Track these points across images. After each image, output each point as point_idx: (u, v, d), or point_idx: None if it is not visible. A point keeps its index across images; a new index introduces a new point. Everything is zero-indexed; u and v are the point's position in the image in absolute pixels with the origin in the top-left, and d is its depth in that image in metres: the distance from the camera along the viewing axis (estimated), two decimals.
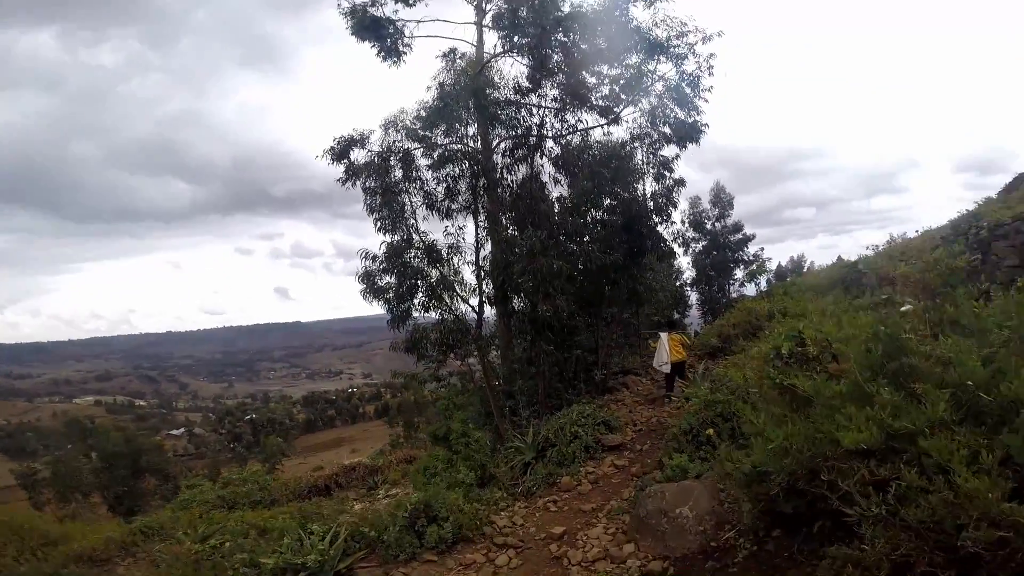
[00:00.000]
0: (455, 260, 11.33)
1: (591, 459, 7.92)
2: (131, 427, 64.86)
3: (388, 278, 11.14)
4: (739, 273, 31.79)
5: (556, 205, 12.30)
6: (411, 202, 11.34)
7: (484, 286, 11.48)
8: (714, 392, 6.84)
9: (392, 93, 14.08)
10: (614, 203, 12.20)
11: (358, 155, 11.26)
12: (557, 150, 12.47)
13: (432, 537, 6.00)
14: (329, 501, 14.14)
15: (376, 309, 11.56)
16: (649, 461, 7.46)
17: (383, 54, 12.07)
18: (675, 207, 12.95)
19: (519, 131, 12.14)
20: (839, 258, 16.56)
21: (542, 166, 12.19)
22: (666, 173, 12.93)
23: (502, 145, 12.22)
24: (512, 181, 12.25)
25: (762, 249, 32.53)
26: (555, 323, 10.09)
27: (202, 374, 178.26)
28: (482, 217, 11.66)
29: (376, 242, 11.14)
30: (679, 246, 26.78)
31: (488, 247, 11.49)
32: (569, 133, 12.44)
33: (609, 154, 11.83)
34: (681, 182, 13.09)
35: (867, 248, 14.02)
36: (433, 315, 11.20)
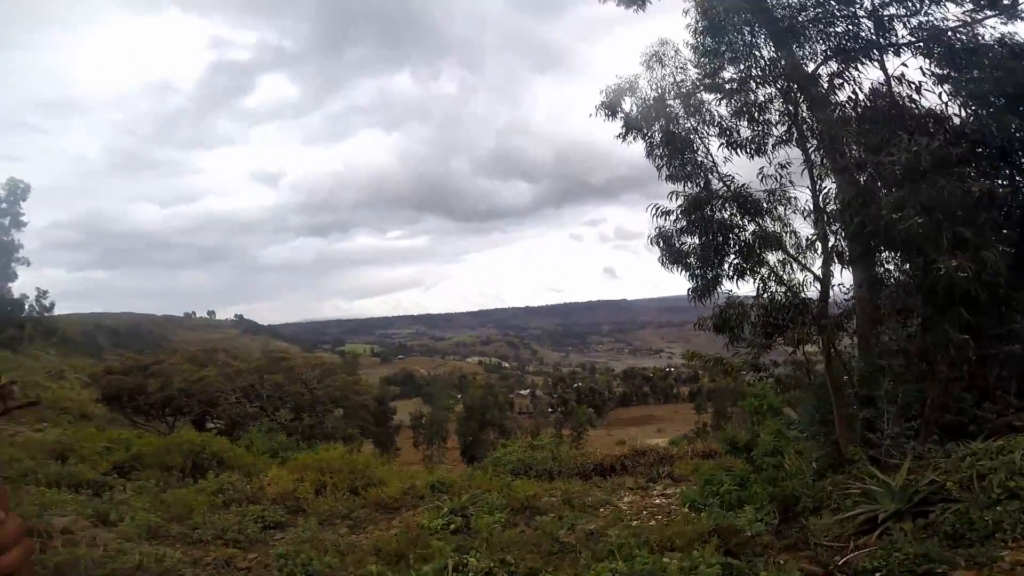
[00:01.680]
0: (780, 209, 8.15)
1: None
2: (496, 385, 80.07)
3: (690, 239, 8.88)
4: None
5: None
6: (704, 143, 8.71)
7: (831, 240, 7.89)
8: None
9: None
10: None
11: (630, 105, 9.29)
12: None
13: None
14: (606, 484, 12.97)
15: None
16: None
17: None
18: None
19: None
20: None
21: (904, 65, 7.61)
22: None
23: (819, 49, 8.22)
24: (853, 92, 8.14)
25: None
26: (978, 293, 5.87)
27: (547, 343, 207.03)
28: (814, 146, 8.04)
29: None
30: None
31: (831, 184, 7.83)
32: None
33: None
34: None
35: None
36: (750, 285, 8.32)
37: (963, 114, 7.59)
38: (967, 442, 5.94)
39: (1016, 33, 7.61)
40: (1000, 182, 6.83)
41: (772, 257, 8.16)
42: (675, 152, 8.90)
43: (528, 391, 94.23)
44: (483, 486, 9.22)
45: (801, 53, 8.76)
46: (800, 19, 8.58)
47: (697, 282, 8.60)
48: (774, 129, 8.71)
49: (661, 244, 9.03)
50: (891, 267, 7.61)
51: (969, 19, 7.81)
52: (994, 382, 7.88)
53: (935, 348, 6.32)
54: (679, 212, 8.70)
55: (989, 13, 7.79)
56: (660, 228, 9.07)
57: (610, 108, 9.42)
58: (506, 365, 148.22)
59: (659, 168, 9.08)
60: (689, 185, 8.74)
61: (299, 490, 8.79)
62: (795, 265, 8.18)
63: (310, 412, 25.24)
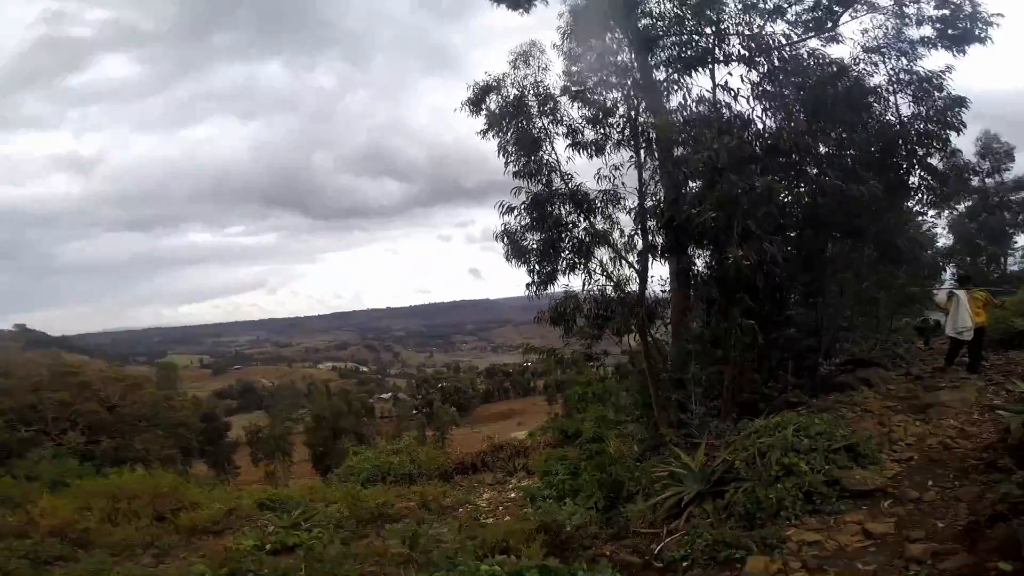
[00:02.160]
0: (611, 209, 8.65)
1: (815, 513, 4.51)
2: (353, 391, 75.89)
3: (531, 235, 9.03)
4: (1022, 240, 23.61)
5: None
6: (551, 142, 8.99)
7: (650, 236, 8.52)
8: None
9: None
10: (844, 136, 8.27)
11: (493, 102, 9.27)
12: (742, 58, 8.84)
13: None
14: (467, 483, 13.02)
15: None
16: (942, 526, 3.98)
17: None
18: (957, 131, 8.30)
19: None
20: None
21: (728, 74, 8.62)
22: (932, 91, 8.42)
23: (663, 56, 9.05)
24: (683, 98, 9.04)
25: None
26: (758, 282, 6.62)
27: (411, 344, 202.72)
28: (645, 148, 8.71)
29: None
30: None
31: (655, 185, 8.50)
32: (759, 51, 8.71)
33: (830, 74, 8.29)
34: (960, 101, 8.34)
35: None
36: (579, 280, 8.70)
37: (766, 120, 8.57)
38: (753, 420, 6.69)
39: (830, 54, 8.82)
40: (783, 181, 7.93)
41: (602, 253, 8.61)
42: (525, 150, 8.99)
43: (390, 394, 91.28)
44: (326, 498, 8.48)
45: (653, 61, 9.42)
46: (658, 28, 9.13)
47: (534, 277, 8.77)
48: (615, 132, 9.17)
49: (506, 240, 9.07)
50: (698, 260, 8.45)
51: (796, 38, 8.99)
52: (776, 363, 9.24)
53: (727, 333, 7.11)
54: (522, 208, 8.81)
55: (814, 36, 9.04)
56: (506, 225, 9.13)
57: (475, 104, 9.25)
58: (365, 369, 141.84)
59: (507, 164, 9.11)
60: (533, 183, 8.87)
61: (83, 520, 7.10)
62: (623, 261, 8.74)
63: (111, 433, 21.15)
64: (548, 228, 8.55)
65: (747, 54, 8.53)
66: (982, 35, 8.05)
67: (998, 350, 8.92)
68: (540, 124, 9.13)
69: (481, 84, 9.19)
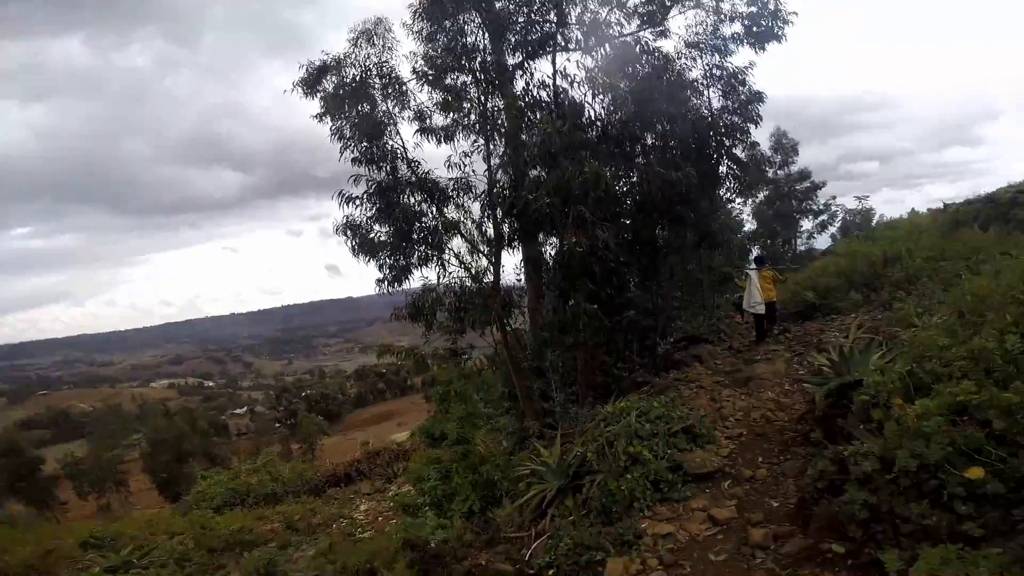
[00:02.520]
0: (462, 197, 8.36)
1: (664, 501, 4.68)
2: (199, 408, 66.91)
3: (381, 228, 8.37)
4: (806, 224, 28.21)
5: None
6: (396, 125, 8.43)
7: (503, 226, 8.39)
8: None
9: None
10: (667, 128, 8.94)
11: (331, 83, 8.39)
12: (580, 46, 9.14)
13: None
14: (342, 494, 12.21)
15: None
16: (776, 505, 4.36)
17: None
18: (756, 124, 9.47)
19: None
20: (943, 204, 14.49)
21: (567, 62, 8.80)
22: (737, 86, 9.52)
23: (513, 40, 8.98)
24: (526, 83, 9.07)
25: (833, 198, 28.19)
26: (594, 267, 6.78)
27: (264, 352, 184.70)
28: (498, 143, 8.56)
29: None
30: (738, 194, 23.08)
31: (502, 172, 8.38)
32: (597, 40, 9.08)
33: (657, 67, 8.79)
34: (759, 96, 9.55)
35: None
36: (434, 272, 8.32)
37: (597, 107, 8.69)
38: (605, 405, 6.88)
39: (660, 47, 9.21)
40: (614, 168, 8.30)
41: (457, 244, 8.32)
42: (367, 135, 8.25)
43: (245, 409, 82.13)
44: (169, 530, 7.36)
45: (504, 45, 9.02)
46: (509, 9, 8.78)
47: (386, 272, 8.18)
48: (466, 118, 8.79)
49: (349, 233, 8.30)
50: (548, 248, 8.54)
51: (631, 28, 9.18)
52: (623, 345, 9.80)
53: (574, 319, 7.27)
54: (365, 198, 8.12)
55: (647, 28, 9.30)
56: (349, 217, 8.35)
57: (309, 85, 8.24)
58: (211, 384, 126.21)
59: (344, 151, 8.30)
60: (376, 170, 8.21)
61: None
62: (478, 251, 8.52)
63: None
64: (397, 219, 7.99)
65: (585, 41, 8.79)
66: (780, 33, 9.10)
67: (797, 321, 10.43)
68: (384, 108, 8.51)
69: (317, 64, 8.28)
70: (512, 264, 8.81)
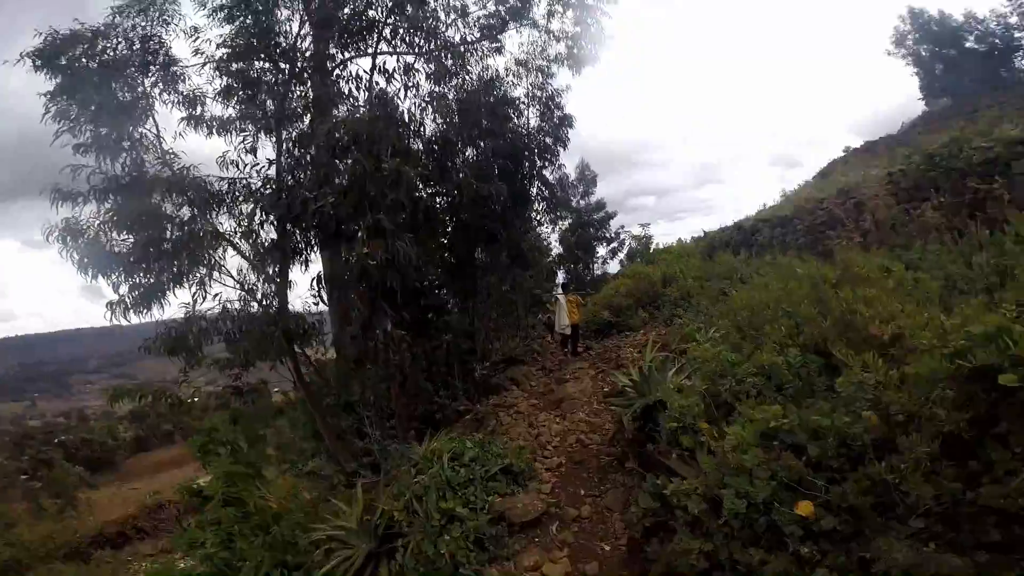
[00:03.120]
0: (243, 204, 6.70)
1: (493, 560, 3.93)
2: None
3: (120, 236, 6.22)
4: (602, 251, 31.35)
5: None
6: (151, 108, 6.53)
7: (296, 236, 6.84)
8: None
9: None
10: (489, 143, 8.71)
11: (76, 59, 6.26)
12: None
13: None
14: (116, 558, 9.42)
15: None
16: (608, 549, 3.88)
17: None
18: (565, 145, 9.81)
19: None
20: (703, 232, 17.24)
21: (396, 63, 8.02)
22: (553, 108, 9.90)
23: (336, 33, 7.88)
24: (337, 76, 7.99)
25: (623, 227, 31.96)
26: (393, 284, 5.64)
27: None
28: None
29: None
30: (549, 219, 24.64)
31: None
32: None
33: (486, 83, 8.79)
34: (568, 120, 10.01)
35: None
36: (200, 292, 6.44)
37: (418, 111, 8.26)
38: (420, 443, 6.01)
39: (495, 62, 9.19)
40: (434, 182, 7.71)
41: (232, 258, 6.62)
42: (101, 117, 6.14)
43: None
44: None
45: (331, 38, 7.86)
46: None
47: (127, 293, 6.09)
48: (259, 110, 7.21)
49: (69, 242, 6.00)
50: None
51: (473, 41, 8.97)
52: (446, 369, 9.07)
53: (378, 347, 6.28)
54: (94, 195, 5.98)
55: (486, 42, 9.24)
56: (69, 220, 6.05)
57: (44, 59, 6.03)
58: None
59: (61, 132, 6.05)
60: (108, 161, 6.13)
61: None
62: (263, 265, 6.92)
63: None
64: (146, 226, 6.01)
65: (422, 45, 8.17)
66: (594, 58, 9.74)
67: (598, 338, 11.03)
68: (142, 88, 6.53)
69: (64, 33, 6.17)
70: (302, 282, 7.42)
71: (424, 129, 7.75)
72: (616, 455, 4.98)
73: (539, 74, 9.93)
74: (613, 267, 30.36)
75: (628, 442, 4.75)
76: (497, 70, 9.36)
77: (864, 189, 7.86)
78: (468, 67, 8.98)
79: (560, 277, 24.03)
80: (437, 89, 8.65)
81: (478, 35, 9.46)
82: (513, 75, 9.79)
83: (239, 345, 6.94)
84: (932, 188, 6.63)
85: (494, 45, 9.50)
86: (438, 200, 7.69)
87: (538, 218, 11.15)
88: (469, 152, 8.61)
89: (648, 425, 4.61)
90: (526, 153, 9.03)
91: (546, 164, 9.50)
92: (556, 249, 28.25)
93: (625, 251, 31.94)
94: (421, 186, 7.10)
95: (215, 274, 6.24)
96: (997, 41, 25.98)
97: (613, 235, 31.75)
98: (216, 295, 6.23)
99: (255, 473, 6.07)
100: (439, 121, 8.57)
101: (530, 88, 9.80)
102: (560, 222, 29.09)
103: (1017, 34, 25.60)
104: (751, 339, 4.57)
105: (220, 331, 6.84)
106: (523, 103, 9.54)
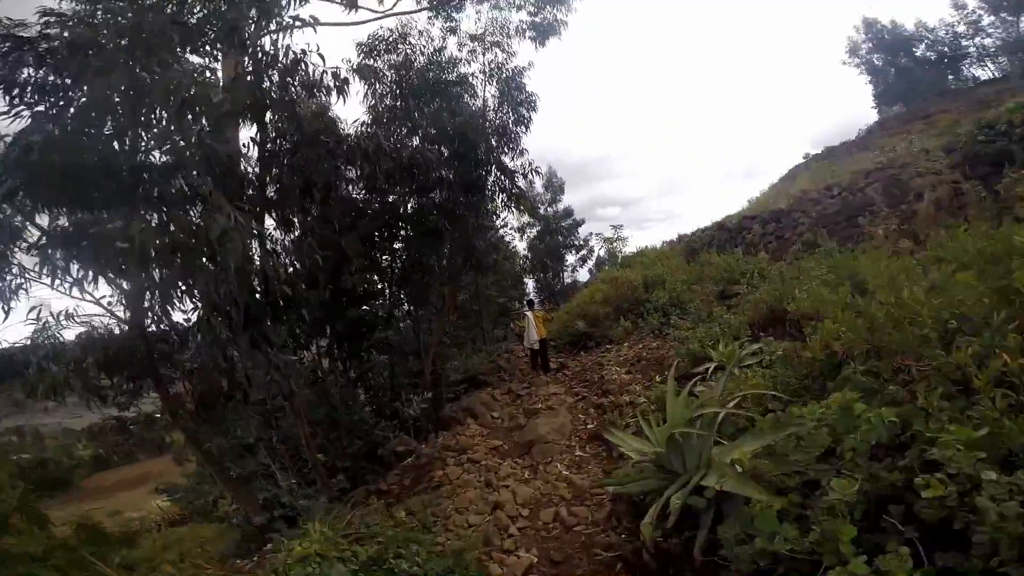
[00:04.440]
0: None
1: None
2: None
3: None
4: (571, 258, 29.94)
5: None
6: None
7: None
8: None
9: None
10: (435, 130, 6.98)
11: None
12: None
13: None
14: None
15: None
16: None
17: None
18: (527, 127, 8.12)
19: None
20: (678, 235, 15.99)
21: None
22: (512, 90, 8.23)
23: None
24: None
25: (591, 234, 30.58)
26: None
27: None
28: None
29: None
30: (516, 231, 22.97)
31: None
32: None
33: (436, 61, 7.49)
34: (531, 103, 8.32)
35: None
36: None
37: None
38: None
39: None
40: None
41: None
42: None
43: None
44: None
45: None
46: None
47: None
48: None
49: None
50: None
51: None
52: (390, 397, 7.19)
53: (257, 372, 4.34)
54: None
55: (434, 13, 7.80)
56: None
57: None
58: None
59: None
60: None
61: None
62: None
63: None
64: None
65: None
66: (559, 28, 8.33)
67: (572, 352, 9.34)
68: None
69: None
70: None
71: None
72: (618, 550, 3.08)
73: (496, 49, 8.27)
74: (583, 276, 29.02)
75: (650, 552, 2.66)
76: (446, 46, 7.75)
77: (898, 166, 6.47)
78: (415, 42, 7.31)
79: (529, 291, 22.34)
80: (373, 64, 6.97)
81: (425, 3, 7.82)
82: (468, 51, 8.15)
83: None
84: (1001, 161, 5.33)
85: (446, 21, 7.90)
86: (361, 186, 5.84)
87: (497, 212, 9.35)
88: (415, 139, 6.89)
89: (687, 531, 2.51)
90: (482, 140, 7.31)
91: (504, 149, 7.78)
92: (525, 252, 26.62)
93: (594, 259, 30.62)
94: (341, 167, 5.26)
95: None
96: (946, 49, 25.91)
97: (582, 242, 30.46)
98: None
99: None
100: (382, 98, 6.86)
101: (486, 64, 8.12)
102: (528, 229, 27.56)
103: (964, 42, 25.58)
104: (899, 373, 2.43)
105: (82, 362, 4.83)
106: (478, 79, 7.88)
